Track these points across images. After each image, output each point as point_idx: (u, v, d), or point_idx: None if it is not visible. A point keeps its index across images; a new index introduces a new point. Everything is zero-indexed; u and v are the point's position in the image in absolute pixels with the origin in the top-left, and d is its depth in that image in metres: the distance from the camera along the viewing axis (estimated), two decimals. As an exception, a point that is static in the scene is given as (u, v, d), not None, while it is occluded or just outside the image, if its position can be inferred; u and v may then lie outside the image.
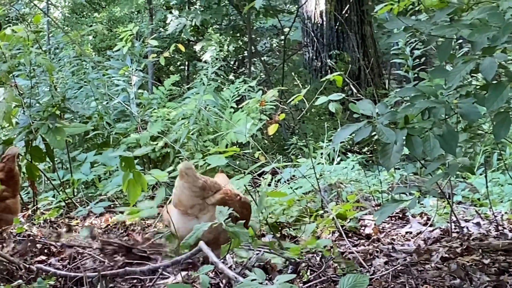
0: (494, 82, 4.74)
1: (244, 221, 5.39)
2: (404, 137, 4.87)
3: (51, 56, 11.94)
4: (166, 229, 6.52)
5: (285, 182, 8.84)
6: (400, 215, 8.07)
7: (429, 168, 5.60)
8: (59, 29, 13.45)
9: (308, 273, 5.62)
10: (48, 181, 9.50)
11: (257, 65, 16.79)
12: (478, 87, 5.03)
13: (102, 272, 5.27)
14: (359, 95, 9.63)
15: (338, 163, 9.92)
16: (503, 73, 4.93)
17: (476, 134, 5.94)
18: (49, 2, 12.41)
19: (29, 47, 8.62)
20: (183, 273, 5.43)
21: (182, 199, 5.66)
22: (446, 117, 4.88)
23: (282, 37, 16.93)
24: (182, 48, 10.53)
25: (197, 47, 14.12)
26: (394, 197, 6.39)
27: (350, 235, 7.15)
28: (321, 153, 10.01)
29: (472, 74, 5.35)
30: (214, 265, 5.13)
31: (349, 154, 10.78)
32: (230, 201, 5.68)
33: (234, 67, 16.03)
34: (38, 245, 6.84)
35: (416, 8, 8.55)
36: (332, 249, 6.17)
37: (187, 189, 5.63)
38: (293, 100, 8.18)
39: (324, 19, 15.56)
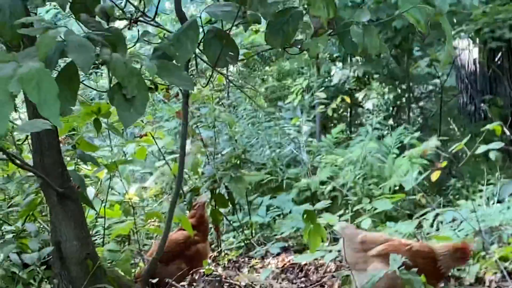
0: None
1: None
2: None
3: (230, 109, 12.25)
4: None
5: (447, 224, 8.73)
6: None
7: None
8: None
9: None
10: (229, 224, 9.70)
11: (415, 111, 16.67)
12: None
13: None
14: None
15: (499, 202, 9.69)
16: None
17: None
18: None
19: (213, 104, 8.91)
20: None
21: (346, 257, 5.71)
22: None
23: (437, 83, 16.79)
24: (348, 100, 10.61)
25: (360, 96, 14.16)
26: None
27: (513, 277, 7.00)
28: (480, 196, 9.84)
29: None
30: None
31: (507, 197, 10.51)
32: (395, 251, 5.60)
33: (393, 113, 15.96)
34: (225, 286, 7.02)
35: None
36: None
37: (348, 246, 5.65)
38: (454, 148, 8.15)
39: (478, 66, 15.35)
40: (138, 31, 4.47)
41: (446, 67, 14.61)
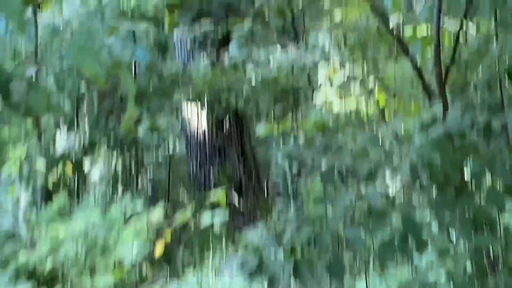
0: (378, 210, 4.44)
1: None
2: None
3: None
4: None
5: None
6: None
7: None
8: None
9: None
10: None
11: (144, 179, 16.31)
12: (362, 215, 4.69)
13: None
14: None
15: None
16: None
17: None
18: None
19: None
20: None
21: None
22: (332, 244, 4.52)
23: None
24: (69, 172, 9.98)
25: (87, 163, 13.51)
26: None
27: None
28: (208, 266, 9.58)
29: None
30: None
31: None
32: None
33: (121, 181, 15.48)
34: None
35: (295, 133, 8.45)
36: None
37: None
38: (180, 220, 7.87)
39: (206, 135, 15.34)
40: None
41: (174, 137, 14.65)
